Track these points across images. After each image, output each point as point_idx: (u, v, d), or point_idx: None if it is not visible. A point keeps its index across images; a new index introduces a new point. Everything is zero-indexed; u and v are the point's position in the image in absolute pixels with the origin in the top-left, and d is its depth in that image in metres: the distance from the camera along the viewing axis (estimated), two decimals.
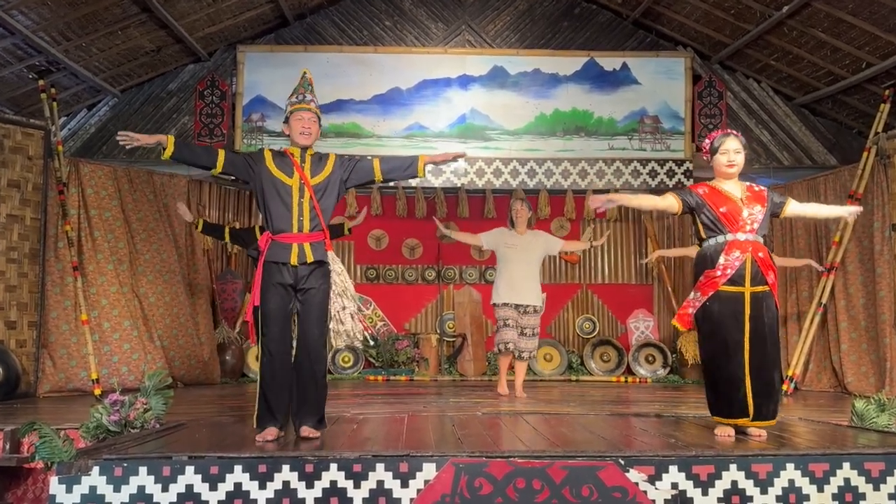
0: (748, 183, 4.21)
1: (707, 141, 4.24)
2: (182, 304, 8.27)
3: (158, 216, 8.27)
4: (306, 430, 3.91)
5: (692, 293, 4.16)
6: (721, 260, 4.01)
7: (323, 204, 4.07)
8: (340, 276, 4.11)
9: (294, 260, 3.96)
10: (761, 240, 4.06)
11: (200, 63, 9.31)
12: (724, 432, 3.97)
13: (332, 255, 4.11)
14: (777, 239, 8.74)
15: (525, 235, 6.83)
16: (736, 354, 3.94)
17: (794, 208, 4.22)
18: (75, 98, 8.85)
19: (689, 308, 4.15)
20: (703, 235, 4.18)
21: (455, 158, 4.45)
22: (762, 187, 4.18)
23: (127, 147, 3.98)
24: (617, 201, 4.12)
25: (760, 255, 4.00)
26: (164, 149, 3.94)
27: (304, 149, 4.13)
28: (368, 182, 4.29)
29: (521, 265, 6.73)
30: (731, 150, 4.10)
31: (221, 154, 4.08)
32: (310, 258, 3.98)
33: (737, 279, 3.97)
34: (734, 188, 4.13)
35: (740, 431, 3.98)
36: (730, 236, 4.03)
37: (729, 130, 4.23)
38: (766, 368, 3.93)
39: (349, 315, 4.13)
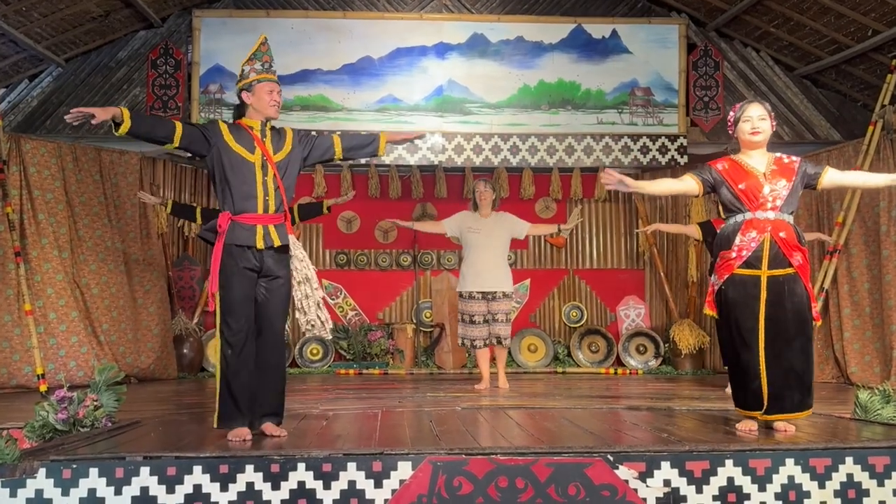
0: (778, 154, 4.15)
1: (731, 114, 4.21)
2: (131, 295, 8.20)
3: (104, 198, 8.19)
4: (270, 427, 3.93)
5: (713, 276, 4.19)
6: (736, 240, 4.00)
7: (285, 182, 4.06)
8: (302, 263, 4.09)
9: (260, 243, 3.93)
10: (787, 217, 4.01)
11: (153, 29, 9.19)
12: (746, 427, 3.98)
13: (293, 240, 4.09)
14: None
15: (489, 219, 6.95)
16: (749, 343, 3.96)
17: (831, 178, 4.11)
18: (15, 68, 8.71)
19: (712, 293, 4.16)
20: (724, 215, 4.19)
21: (418, 138, 4.70)
22: (795, 158, 4.12)
23: (74, 123, 3.78)
24: (631, 186, 4.02)
25: (782, 234, 3.95)
26: (119, 124, 3.78)
27: (265, 123, 4.11)
28: (328, 159, 4.36)
29: (485, 250, 6.87)
30: (755, 117, 4.06)
31: (179, 127, 4.00)
32: (276, 241, 3.96)
33: (753, 261, 3.96)
34: (759, 161, 4.08)
35: (768, 426, 3.99)
36: (748, 215, 4.00)
37: (751, 98, 4.25)
38: (786, 357, 3.92)
39: (314, 304, 4.11)
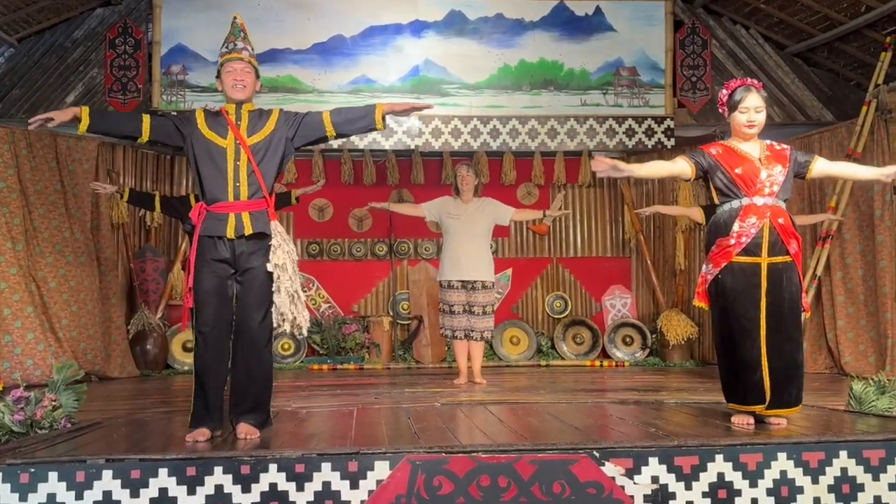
0: (768, 141, 4.18)
1: (724, 91, 4.18)
2: (90, 288, 8.13)
3: (60, 187, 8.11)
4: (244, 429, 3.82)
5: (704, 265, 4.18)
6: (735, 227, 3.99)
7: (264, 167, 3.98)
8: (280, 249, 3.96)
9: (230, 232, 3.88)
10: (782, 204, 4.04)
11: (110, 6, 9.10)
12: (743, 421, 4.00)
13: (276, 226, 3.99)
14: None
15: (470, 204, 6.93)
16: (751, 334, 3.95)
17: (821, 168, 4.15)
18: None
19: (703, 283, 4.16)
20: (717, 201, 4.16)
21: (419, 109, 4.26)
22: (784, 146, 4.16)
23: (36, 128, 3.89)
24: (624, 171, 4.01)
25: (780, 221, 3.97)
26: (80, 121, 3.88)
27: (240, 104, 4.07)
28: (320, 139, 4.19)
29: (465, 238, 6.85)
30: (752, 109, 4.06)
31: (146, 120, 4.00)
32: (248, 230, 3.89)
33: (752, 248, 3.96)
34: (752, 147, 4.10)
35: (759, 420, 4.00)
36: (745, 200, 4.00)
37: (750, 82, 4.16)
38: (786, 349, 3.95)
39: (286, 297, 3.98)
